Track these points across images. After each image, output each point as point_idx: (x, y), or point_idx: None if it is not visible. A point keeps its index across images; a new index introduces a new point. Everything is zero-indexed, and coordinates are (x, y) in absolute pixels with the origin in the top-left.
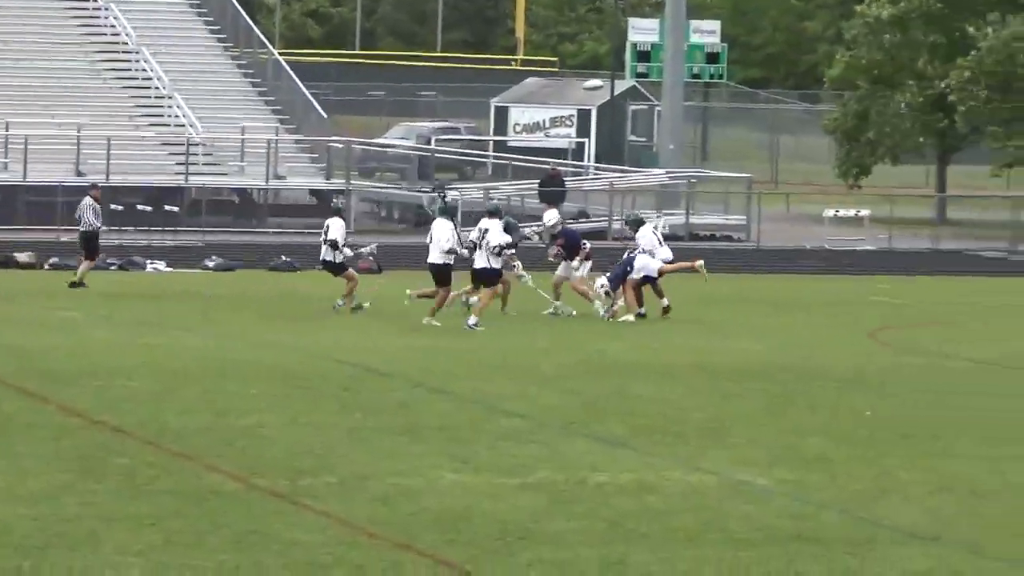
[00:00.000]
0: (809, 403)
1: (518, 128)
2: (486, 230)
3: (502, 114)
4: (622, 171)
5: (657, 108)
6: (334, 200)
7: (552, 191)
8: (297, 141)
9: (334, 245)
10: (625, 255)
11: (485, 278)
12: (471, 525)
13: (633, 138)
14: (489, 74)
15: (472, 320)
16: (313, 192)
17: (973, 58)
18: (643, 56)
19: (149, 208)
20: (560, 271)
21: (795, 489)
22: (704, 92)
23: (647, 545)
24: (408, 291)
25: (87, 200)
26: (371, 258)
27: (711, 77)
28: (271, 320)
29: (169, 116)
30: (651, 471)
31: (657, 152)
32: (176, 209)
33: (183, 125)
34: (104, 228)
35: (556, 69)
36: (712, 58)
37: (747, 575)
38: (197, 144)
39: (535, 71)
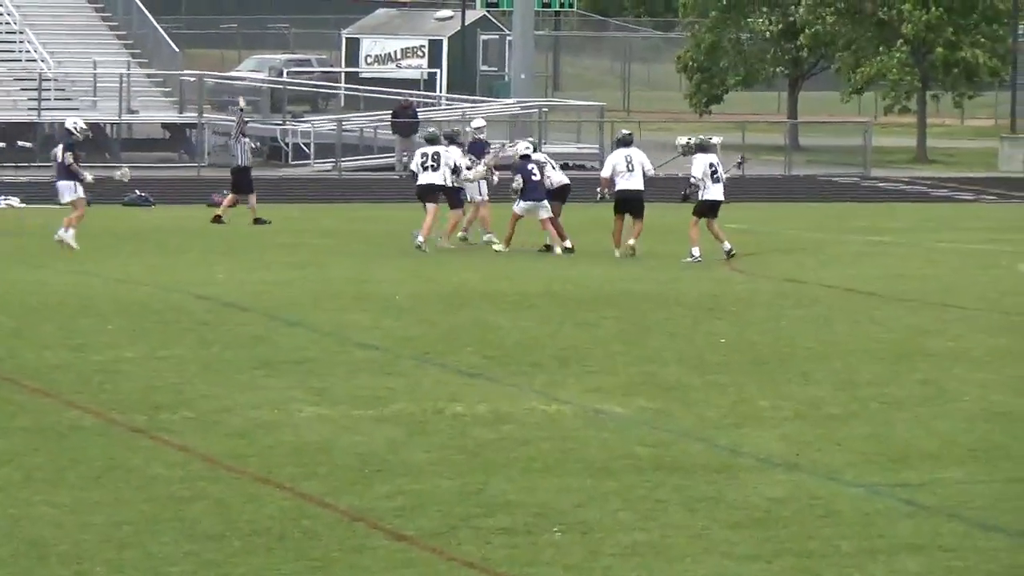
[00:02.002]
0: (665, 331)
1: (369, 59)
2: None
3: (353, 45)
4: (474, 101)
5: (508, 38)
6: (452, 130)
7: (404, 122)
8: (149, 75)
9: (456, 170)
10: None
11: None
12: (329, 458)
13: (485, 68)
14: (339, 5)
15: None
16: (166, 126)
17: None
18: None
19: (2, 144)
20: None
21: (654, 417)
22: (555, 21)
23: (505, 475)
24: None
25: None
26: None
27: (561, 5)
28: (126, 255)
29: (21, 51)
30: (508, 401)
31: (509, 82)
32: (30, 145)
33: (35, 60)
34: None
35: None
36: None
37: (607, 504)
38: (49, 79)
39: (385, 2)
